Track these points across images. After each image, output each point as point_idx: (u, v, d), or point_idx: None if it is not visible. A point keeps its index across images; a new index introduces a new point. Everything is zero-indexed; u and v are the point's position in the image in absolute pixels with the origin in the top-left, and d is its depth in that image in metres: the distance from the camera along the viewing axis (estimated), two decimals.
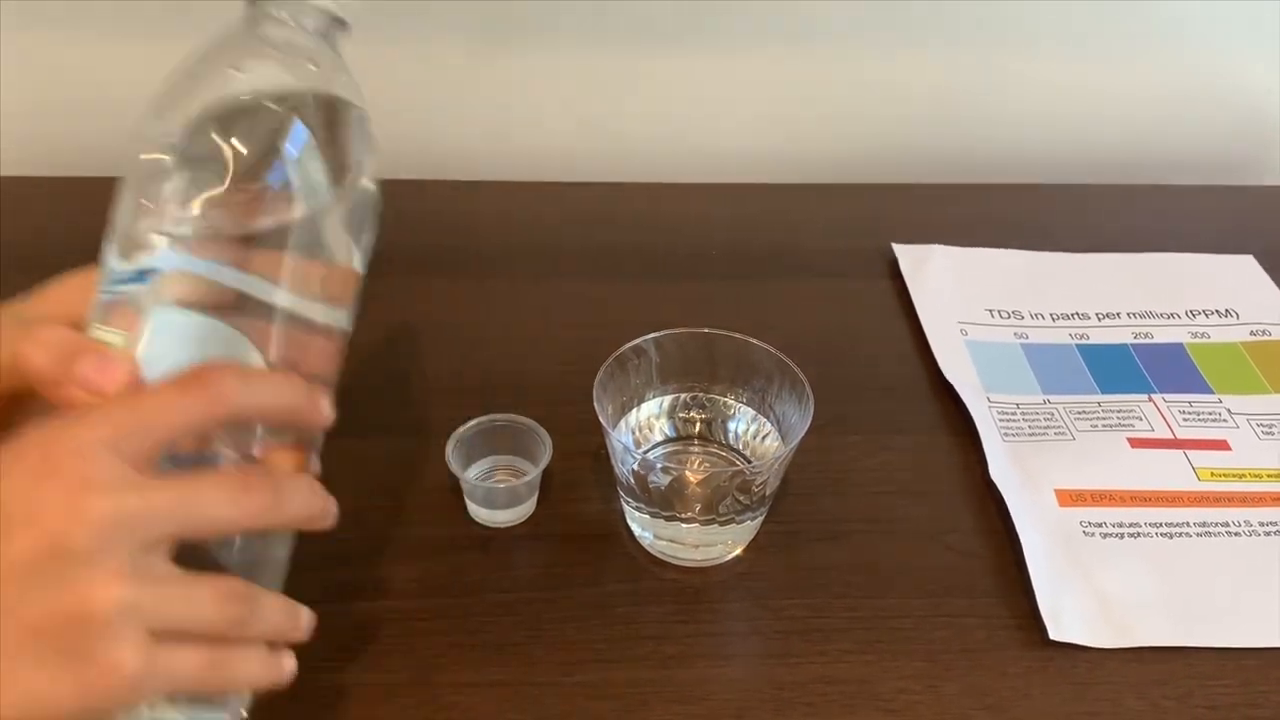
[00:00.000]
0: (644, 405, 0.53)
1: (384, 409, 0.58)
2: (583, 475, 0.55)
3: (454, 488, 0.53)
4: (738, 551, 0.52)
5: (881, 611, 0.49)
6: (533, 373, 0.59)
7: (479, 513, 0.52)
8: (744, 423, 0.53)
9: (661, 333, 0.52)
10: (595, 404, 0.48)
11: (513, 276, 0.68)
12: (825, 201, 0.77)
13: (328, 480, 0.53)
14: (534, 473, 0.51)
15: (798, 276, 0.69)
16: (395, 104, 0.74)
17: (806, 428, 0.48)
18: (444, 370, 0.61)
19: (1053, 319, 0.67)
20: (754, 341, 0.52)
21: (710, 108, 0.79)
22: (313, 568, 0.49)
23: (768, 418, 0.52)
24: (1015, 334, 0.65)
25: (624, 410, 0.52)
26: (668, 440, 0.54)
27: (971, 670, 0.47)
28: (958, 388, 0.60)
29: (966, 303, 0.67)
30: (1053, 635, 0.48)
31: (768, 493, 0.50)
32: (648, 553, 0.51)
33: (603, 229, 0.73)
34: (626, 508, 0.52)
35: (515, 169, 0.78)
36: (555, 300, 0.66)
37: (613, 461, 0.50)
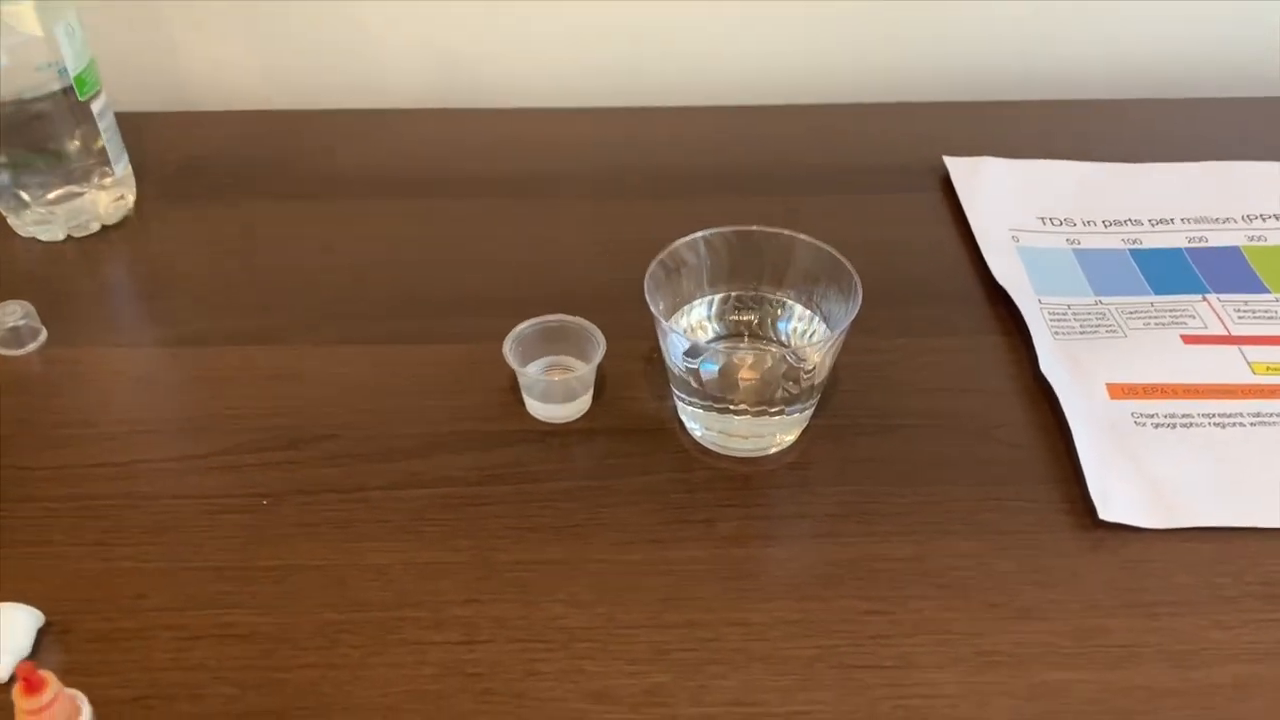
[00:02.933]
0: (694, 308, 0.54)
1: (441, 320, 0.60)
2: (636, 377, 0.56)
3: (513, 387, 0.54)
4: (788, 442, 0.53)
5: (931, 498, 0.50)
6: (584, 283, 0.61)
7: (536, 409, 0.54)
8: (793, 320, 0.54)
9: (708, 231, 0.53)
10: (646, 296, 0.49)
11: (561, 197, 0.69)
12: (871, 120, 0.77)
13: (387, 384, 0.55)
14: (589, 366, 0.52)
15: (845, 191, 0.70)
16: (430, 35, 0.76)
17: (855, 313, 0.48)
18: (498, 283, 0.62)
19: (1105, 225, 0.67)
20: (800, 236, 0.52)
21: (755, 28, 0.80)
22: (375, 459, 0.52)
23: (816, 313, 0.53)
24: (1067, 240, 0.65)
25: (674, 310, 0.54)
26: (719, 338, 0.55)
27: (1021, 549, 0.48)
28: (1008, 289, 0.60)
29: (1018, 211, 0.67)
30: (1102, 515, 0.48)
31: (816, 382, 0.50)
32: (700, 445, 0.53)
33: (648, 151, 0.74)
34: (679, 403, 0.53)
35: (563, 94, 0.79)
36: (605, 219, 0.67)
37: (665, 356, 0.51)
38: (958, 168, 0.70)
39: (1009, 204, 0.68)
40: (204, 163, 0.72)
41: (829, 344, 0.49)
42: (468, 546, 0.48)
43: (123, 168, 0.66)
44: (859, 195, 0.69)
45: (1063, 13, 0.79)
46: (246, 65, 0.79)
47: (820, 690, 0.43)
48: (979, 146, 0.72)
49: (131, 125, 0.69)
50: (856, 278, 0.50)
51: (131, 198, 0.68)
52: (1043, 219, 0.67)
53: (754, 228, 0.53)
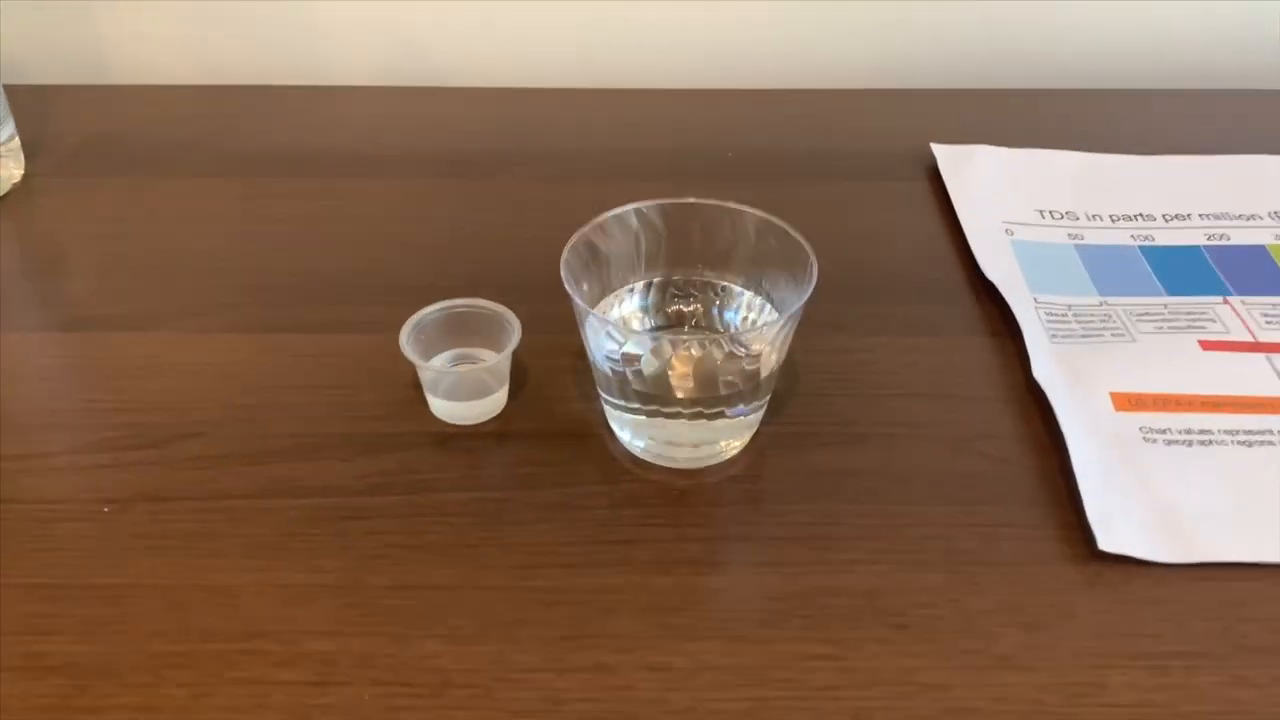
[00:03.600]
0: (625, 297, 0.47)
1: (343, 307, 0.52)
2: (562, 375, 0.48)
3: (414, 383, 0.47)
4: (733, 451, 0.45)
5: (897, 519, 0.42)
6: (513, 270, 0.53)
7: (440, 408, 0.46)
8: (741, 309, 0.46)
9: (641, 203, 0.45)
10: (564, 277, 0.42)
11: (502, 178, 0.62)
12: (855, 106, 0.69)
13: (270, 378, 0.48)
14: (501, 355, 0.45)
15: (823, 179, 0.62)
16: (376, 11, 0.69)
17: (809, 292, 0.41)
18: (414, 269, 0.55)
19: (1112, 220, 0.59)
20: (749, 210, 0.45)
21: (734, 11, 0.72)
22: (243, 462, 0.44)
23: (768, 301, 0.46)
24: (1069, 235, 0.58)
25: (602, 298, 0.46)
26: (654, 329, 0.47)
27: (1003, 584, 0.40)
28: (999, 285, 0.53)
29: (1013, 202, 0.59)
30: (1102, 545, 0.40)
31: (764, 376, 0.43)
32: (631, 455, 0.45)
33: (613, 134, 0.66)
34: (607, 407, 0.45)
35: (529, 75, 0.72)
36: (551, 203, 0.60)
37: (588, 351, 0.43)
38: (946, 156, 0.63)
39: (1003, 195, 0.60)
40: (112, 138, 0.65)
41: (778, 328, 0.41)
42: (336, 567, 0.40)
43: (6, 136, 0.59)
44: (835, 182, 0.61)
45: None
46: (173, 39, 0.73)
47: None
48: (971, 136, 0.64)
49: (40, 97, 0.63)
50: (812, 256, 0.42)
51: (19, 171, 0.61)
52: (1041, 211, 0.59)
53: (692, 199, 0.45)
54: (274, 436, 0.45)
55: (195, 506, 0.42)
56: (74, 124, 0.66)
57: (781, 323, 0.41)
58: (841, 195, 0.61)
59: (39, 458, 0.44)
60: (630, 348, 0.42)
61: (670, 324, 0.47)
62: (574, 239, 0.43)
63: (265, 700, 0.36)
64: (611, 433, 0.46)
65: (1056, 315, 0.52)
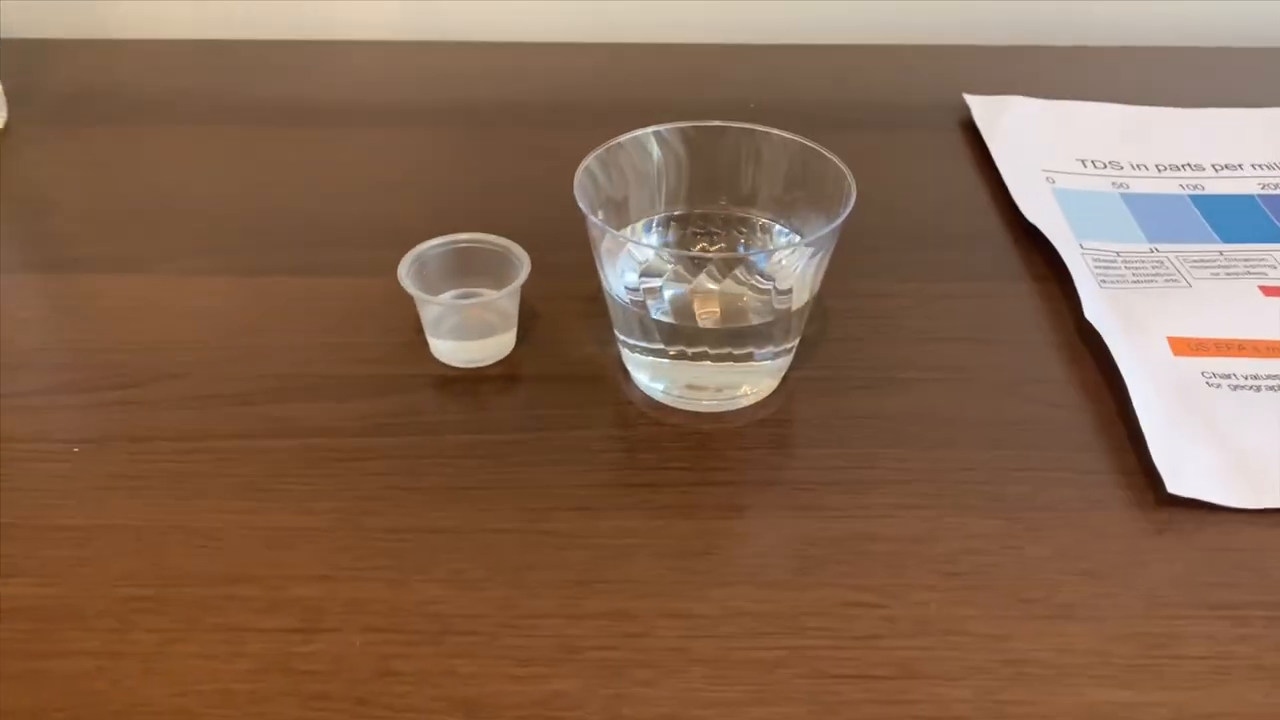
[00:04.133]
0: (643, 234, 0.43)
1: (339, 250, 0.49)
2: (572, 319, 0.45)
3: (415, 326, 0.43)
4: (761, 394, 0.41)
5: (941, 463, 0.38)
6: (520, 213, 0.49)
7: (443, 349, 0.42)
8: (770, 244, 0.43)
9: (660, 126, 0.42)
10: (576, 196, 0.38)
11: (512, 127, 0.59)
12: (883, 60, 0.66)
13: (261, 320, 0.44)
14: (509, 289, 0.41)
15: (851, 129, 0.58)
16: None
17: (846, 214, 0.37)
18: (413, 212, 0.51)
19: (1158, 169, 0.55)
20: (776, 132, 0.41)
21: None
22: (229, 403, 0.41)
23: (798, 235, 0.42)
24: (1114, 184, 0.54)
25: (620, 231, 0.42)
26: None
27: (1062, 530, 0.36)
28: (1044, 230, 0.49)
29: (1053, 152, 0.56)
30: (1171, 489, 0.37)
31: (794, 309, 0.39)
32: (649, 398, 0.41)
33: (634, 86, 0.63)
34: (624, 349, 0.42)
35: (542, 30, 0.69)
36: (565, 150, 0.56)
37: (604, 283, 0.40)
38: (981, 106, 0.59)
39: (1042, 144, 0.57)
40: (106, 90, 0.62)
41: (808, 256, 0.38)
42: (330, 509, 0.37)
43: None
44: (864, 132, 0.58)
45: None
46: None
47: (784, 704, 0.31)
48: (1005, 91, 0.61)
49: (33, 50, 0.60)
50: (850, 177, 0.39)
51: (2, 115, 0.58)
52: (1083, 161, 0.56)
53: (719, 123, 0.42)
54: (265, 377, 0.42)
55: (177, 447, 0.39)
56: (67, 75, 0.63)
57: (815, 249, 0.37)
58: (871, 145, 0.57)
59: (8, 397, 0.41)
60: (652, 274, 0.38)
61: (690, 246, 0.44)
62: (588, 159, 0.40)
63: (242, 648, 0.32)
64: (628, 376, 0.42)
65: (1105, 261, 0.48)
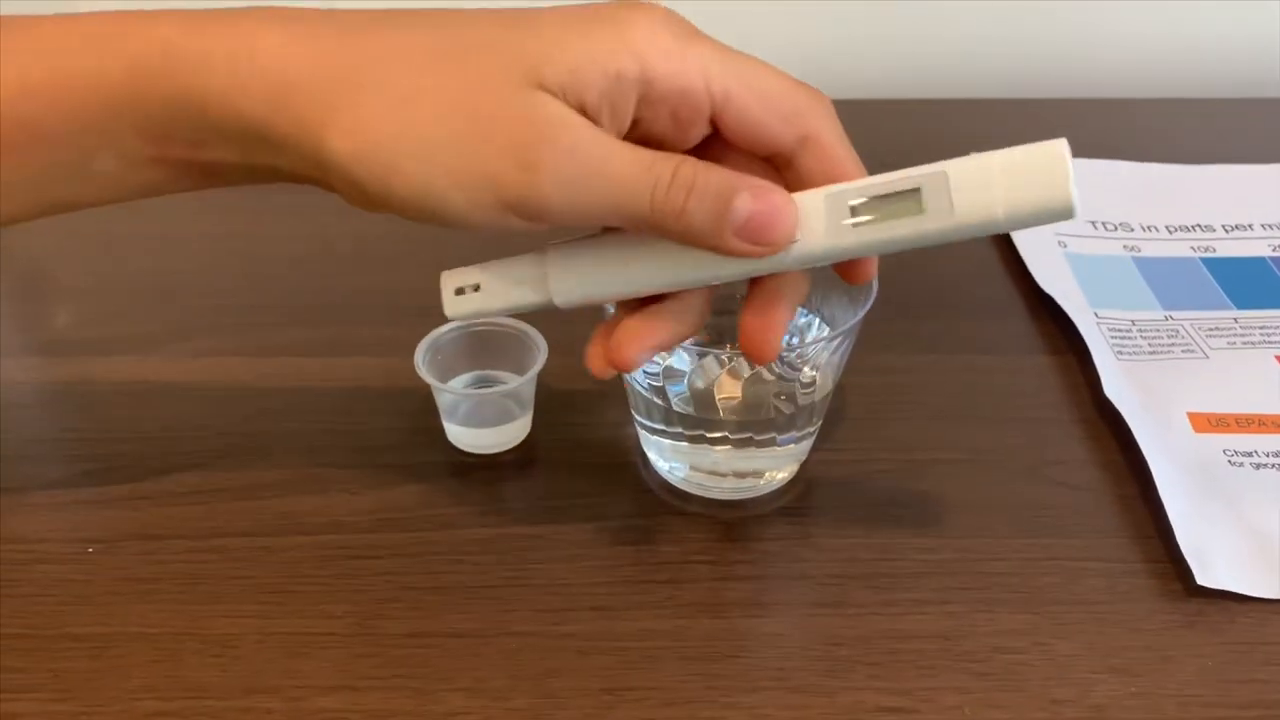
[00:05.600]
0: None
1: (354, 328, 0.48)
2: (590, 399, 0.44)
3: (430, 409, 0.43)
4: (782, 481, 0.41)
5: (968, 553, 0.38)
6: None
7: (460, 436, 0.42)
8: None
9: None
10: None
11: None
12: (879, 117, 0.66)
13: (271, 405, 0.44)
14: (526, 376, 0.41)
15: None
16: None
17: (868, 307, 0.37)
18: (420, 288, 0.50)
19: (1169, 231, 0.55)
20: None
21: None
22: (242, 497, 0.40)
23: (817, 315, 0.42)
24: (1125, 246, 0.54)
25: None
26: (694, 347, 0.43)
27: (1092, 624, 0.36)
28: (1059, 301, 0.49)
29: None
30: (1200, 580, 0.36)
31: (816, 400, 0.39)
32: (668, 484, 0.41)
33: None
34: (641, 430, 0.41)
35: None
36: None
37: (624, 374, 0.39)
38: None
39: None
40: None
41: (833, 348, 0.37)
42: (347, 613, 0.36)
43: None
44: None
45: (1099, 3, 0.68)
46: None
47: None
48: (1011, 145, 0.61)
49: None
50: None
51: None
52: (1094, 223, 0.56)
53: None
54: (275, 468, 0.41)
55: (189, 546, 0.38)
56: None
57: (839, 340, 0.37)
58: None
59: (12, 493, 0.40)
60: (674, 363, 0.38)
61: (709, 341, 0.43)
62: None
63: None
64: (646, 460, 0.42)
65: (1120, 331, 0.48)
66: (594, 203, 0.29)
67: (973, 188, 0.29)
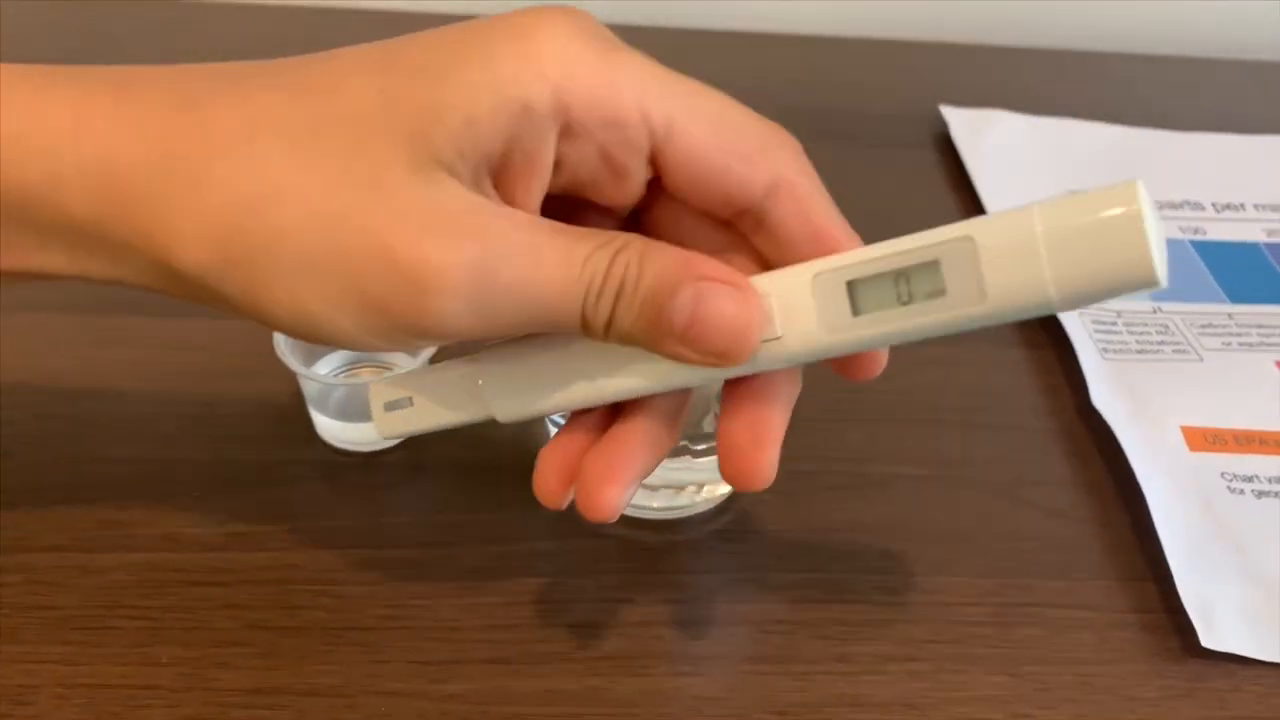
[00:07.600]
0: None
1: None
2: None
3: (295, 390, 0.35)
4: (719, 498, 0.34)
5: (936, 595, 0.32)
6: None
7: (332, 429, 0.34)
8: None
9: None
10: None
11: None
12: (854, 57, 0.59)
13: (107, 377, 0.36)
14: (418, 359, 0.33)
15: (812, 140, 0.51)
16: None
17: None
18: None
19: (1157, 208, 0.49)
20: None
21: None
22: (51, 503, 0.32)
23: None
24: None
25: None
26: None
27: (1078, 690, 0.30)
28: None
29: (1042, 182, 0.49)
30: (1205, 642, 0.31)
31: None
32: None
33: None
34: (552, 428, 0.34)
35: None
36: None
37: None
38: (961, 122, 0.53)
39: (1029, 172, 0.50)
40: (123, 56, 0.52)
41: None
42: (177, 659, 0.29)
43: None
44: (827, 144, 0.51)
45: None
46: None
47: None
48: (987, 99, 0.54)
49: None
50: None
51: None
52: (1071, 193, 0.49)
53: None
54: (99, 461, 0.33)
55: None
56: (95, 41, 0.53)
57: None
58: (836, 161, 0.50)
59: None
60: None
61: None
62: None
63: None
64: None
65: (1105, 324, 0.42)
66: (515, 323, 0.23)
67: (1009, 256, 0.21)
